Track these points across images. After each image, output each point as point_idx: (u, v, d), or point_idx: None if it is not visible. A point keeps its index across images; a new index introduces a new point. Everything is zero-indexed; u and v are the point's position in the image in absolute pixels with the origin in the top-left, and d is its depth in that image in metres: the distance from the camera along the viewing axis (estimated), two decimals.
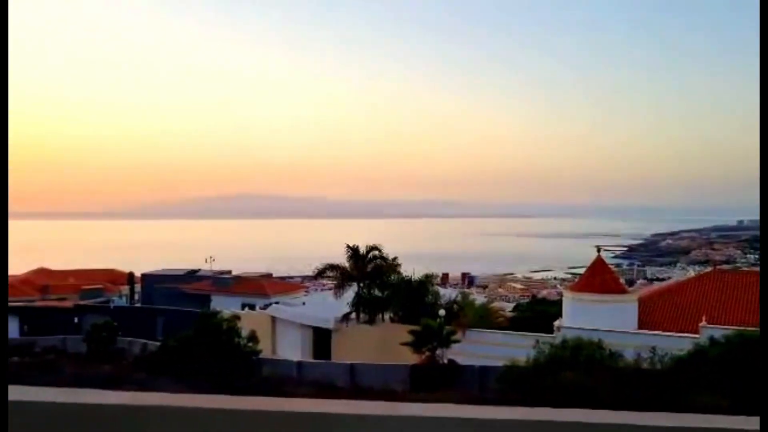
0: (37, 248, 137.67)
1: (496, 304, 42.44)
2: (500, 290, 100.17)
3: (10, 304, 47.73)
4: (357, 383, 26.23)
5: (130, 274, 58.06)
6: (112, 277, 61.52)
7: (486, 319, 33.41)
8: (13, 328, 44.09)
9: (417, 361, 27.74)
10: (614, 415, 1.75)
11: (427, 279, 37.36)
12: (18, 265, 72.07)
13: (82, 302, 48.66)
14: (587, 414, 1.76)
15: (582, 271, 38.82)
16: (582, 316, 28.78)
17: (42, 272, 61.25)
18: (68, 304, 48.00)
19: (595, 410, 1.78)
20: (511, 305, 49.88)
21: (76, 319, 43.52)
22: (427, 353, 27.71)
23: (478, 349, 29.22)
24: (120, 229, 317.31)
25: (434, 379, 25.43)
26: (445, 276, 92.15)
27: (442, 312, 30.98)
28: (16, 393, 2.05)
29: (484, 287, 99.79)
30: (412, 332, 28.05)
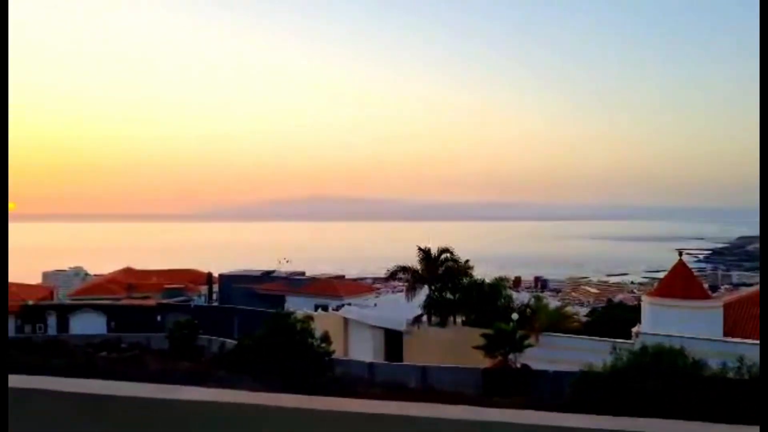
0: (123, 249, 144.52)
1: (570, 309, 41.46)
2: (574, 294, 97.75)
3: (99, 302, 50.30)
4: (428, 385, 26.19)
5: (209, 275, 60.06)
6: (192, 277, 63.75)
7: (560, 323, 32.71)
8: (101, 325, 46.46)
9: (489, 364, 27.46)
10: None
11: (500, 282, 36.93)
12: (106, 265, 75.99)
13: (164, 301, 50.72)
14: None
15: (661, 275, 37.43)
16: (662, 322, 27.71)
17: (127, 272, 64.25)
18: (152, 302, 50.08)
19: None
20: (586, 310, 48.69)
21: (159, 317, 45.33)
22: (500, 357, 27.40)
23: (552, 354, 28.63)
24: (199, 231, 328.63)
25: (507, 384, 25.11)
26: (517, 279, 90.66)
27: (515, 316, 30.57)
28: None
29: (557, 291, 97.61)
30: (484, 335, 27.80)
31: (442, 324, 35.07)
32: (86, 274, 70.26)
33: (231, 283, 57.61)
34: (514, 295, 38.72)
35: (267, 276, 59.30)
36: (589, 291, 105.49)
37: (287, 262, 62.28)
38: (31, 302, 48.33)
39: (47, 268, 71.34)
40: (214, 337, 37.02)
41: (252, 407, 1.87)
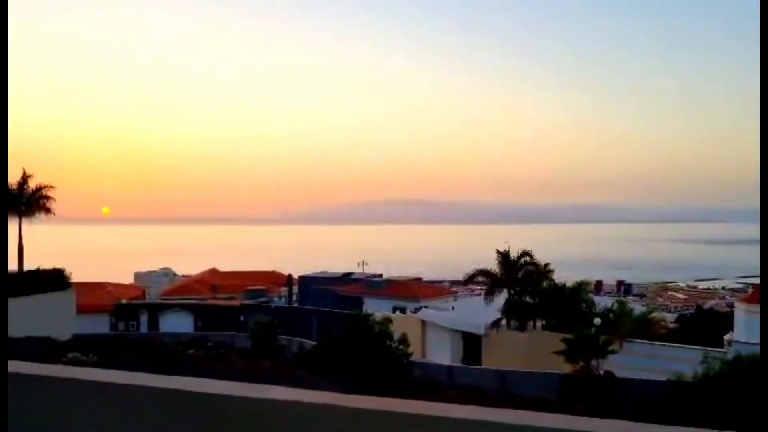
0: (209, 251, 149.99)
1: (656, 314, 39.86)
2: (660, 299, 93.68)
3: (186, 301, 52.40)
4: (508, 390, 25.80)
5: (289, 276, 61.40)
6: (273, 278, 65.35)
7: (645, 329, 31.53)
8: (189, 324, 48.36)
9: (570, 370, 26.77)
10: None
11: (581, 286, 35.99)
12: (193, 267, 79.10)
13: (246, 302, 52.26)
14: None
15: (757, 280, 35.39)
16: (758, 331, 26.22)
17: (213, 273, 66.64)
18: (235, 303, 51.70)
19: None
20: (673, 316, 46.69)
21: (242, 317, 46.74)
22: (582, 363, 26.65)
23: (638, 362, 27.61)
24: (280, 234, 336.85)
25: (590, 391, 24.40)
26: (599, 283, 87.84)
27: (597, 321, 29.66)
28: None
29: (642, 296, 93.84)
30: (565, 341, 27.14)
31: (522, 328, 34.49)
32: (174, 275, 73.22)
33: (310, 284, 58.68)
34: (596, 299, 37.62)
35: (346, 278, 60.06)
36: (676, 296, 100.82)
37: (365, 264, 62.89)
38: (124, 301, 50.94)
39: (139, 269, 74.82)
40: (293, 338, 37.81)
41: (331, 408, 1.90)
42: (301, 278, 61.92)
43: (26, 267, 34.04)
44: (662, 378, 21.51)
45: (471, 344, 35.91)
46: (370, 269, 64.49)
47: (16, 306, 28.96)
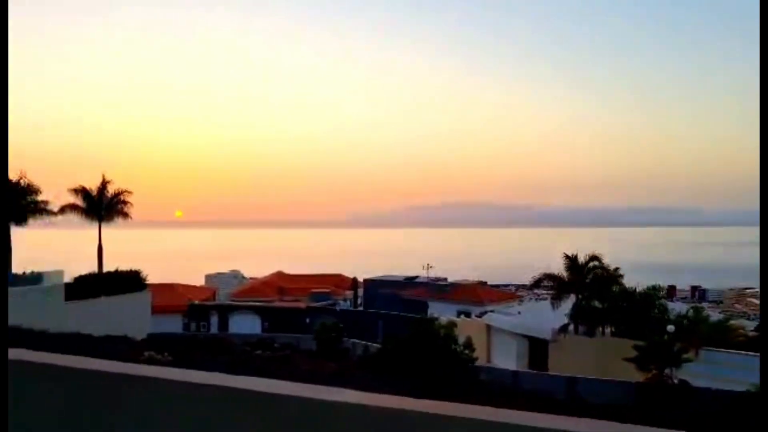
0: (276, 254, 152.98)
1: (734, 322, 38.16)
2: (738, 306, 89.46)
3: (254, 303, 53.65)
4: (577, 397, 25.24)
5: (354, 280, 61.97)
6: (338, 281, 66.09)
7: (723, 337, 30.21)
8: (256, 325, 49.51)
9: (642, 378, 25.95)
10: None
11: (653, 291, 34.86)
12: (260, 269, 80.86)
13: (312, 304, 53.05)
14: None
15: None
16: None
17: (279, 276, 67.98)
18: (301, 305, 52.57)
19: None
20: (753, 324, 44.57)
21: (307, 320, 47.48)
22: (654, 371, 25.79)
23: (715, 371, 26.48)
24: (345, 237, 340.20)
25: (663, 400, 23.58)
26: (672, 288, 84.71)
27: (670, 327, 28.65)
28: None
29: (718, 302, 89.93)
30: (636, 347, 26.34)
31: (590, 334, 33.69)
32: (243, 277, 75.00)
33: (375, 288, 59.02)
34: (669, 305, 36.37)
35: (410, 281, 60.13)
36: (755, 303, 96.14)
37: (430, 268, 62.81)
38: (196, 302, 52.59)
39: (209, 271, 77.00)
40: (358, 341, 38.11)
41: (397, 411, 1.92)
42: (366, 281, 62.36)
43: (105, 269, 35.59)
44: (741, 388, 20.59)
45: (537, 349, 35.32)
46: (434, 273, 64.36)
47: (97, 306, 30.36)
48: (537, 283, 38.99)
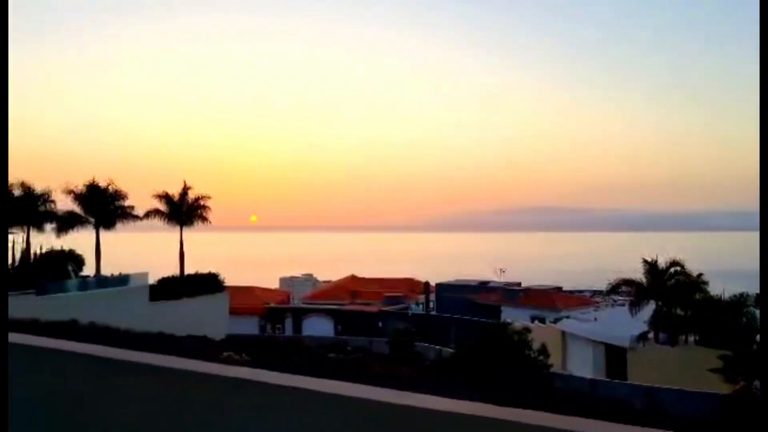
0: (348, 258, 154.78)
1: None
2: None
3: (327, 306, 54.46)
4: (658, 408, 24.32)
5: (426, 284, 61.81)
6: (410, 285, 66.10)
7: None
8: (329, 328, 50.25)
9: (729, 391, 24.74)
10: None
11: (741, 299, 33.20)
12: (333, 273, 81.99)
13: (385, 308, 53.33)
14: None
15: None
16: None
17: (352, 279, 68.69)
18: (374, 308, 52.95)
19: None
20: None
21: (380, 323, 47.79)
22: (742, 383, 24.54)
23: None
24: (417, 241, 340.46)
25: (750, 414, 22.40)
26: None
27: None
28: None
29: None
30: (722, 357, 25.14)
31: (672, 342, 32.42)
32: (316, 281, 76.22)
33: (447, 292, 58.72)
34: (758, 313, 34.51)
35: (482, 286, 59.53)
36: None
37: (503, 272, 62.03)
38: (272, 304, 53.87)
39: (283, 274, 78.63)
40: (430, 345, 38.04)
41: (471, 418, 1.92)
42: (438, 286, 62.12)
43: (186, 271, 37.00)
44: None
45: (615, 357, 34.26)
46: (507, 277, 63.53)
47: (178, 307, 31.60)
48: (614, 289, 37.85)
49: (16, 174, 32.86)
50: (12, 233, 33.23)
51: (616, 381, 31.24)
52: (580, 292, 75.98)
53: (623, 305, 39.47)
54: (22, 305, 19.10)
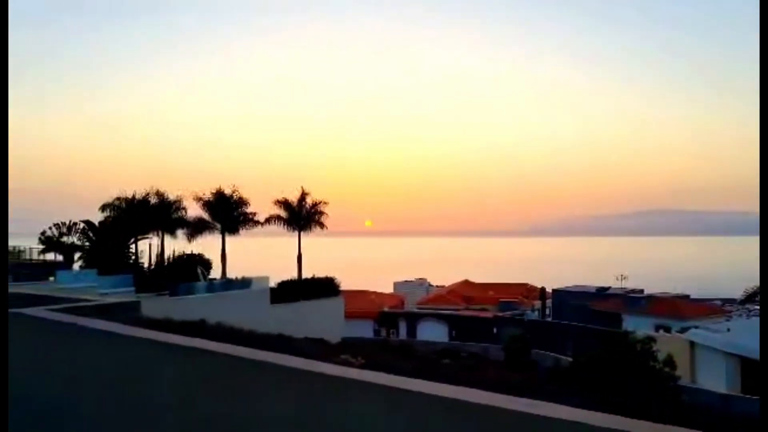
0: (461, 263, 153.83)
1: None
2: None
3: (441, 311, 54.42)
4: None
5: (542, 290, 60.35)
6: (526, 291, 64.83)
7: None
8: (443, 333, 50.13)
9: None
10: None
11: None
12: (446, 277, 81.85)
13: (499, 313, 52.56)
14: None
15: None
16: None
17: (466, 284, 68.28)
18: (488, 314, 52.33)
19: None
20: None
21: (494, 329, 47.11)
22: None
23: None
24: (530, 246, 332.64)
25: None
26: None
27: None
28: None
29: None
30: None
31: None
32: (430, 285, 76.32)
33: (564, 298, 57.00)
34: None
35: (601, 293, 57.27)
36: None
37: (624, 278, 59.31)
38: (386, 308, 54.58)
39: (397, 279, 79.39)
40: (547, 352, 37.00)
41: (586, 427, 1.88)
42: (555, 291, 60.45)
43: (304, 275, 38.23)
44: None
45: (752, 371, 31.75)
46: (628, 284, 60.70)
47: (296, 309, 32.75)
48: (750, 298, 35.14)
49: (153, 183, 35.04)
50: (148, 238, 35.89)
51: (754, 397, 28.94)
52: (710, 300, 71.27)
53: (757, 315, 36.59)
54: (158, 306, 20.57)
